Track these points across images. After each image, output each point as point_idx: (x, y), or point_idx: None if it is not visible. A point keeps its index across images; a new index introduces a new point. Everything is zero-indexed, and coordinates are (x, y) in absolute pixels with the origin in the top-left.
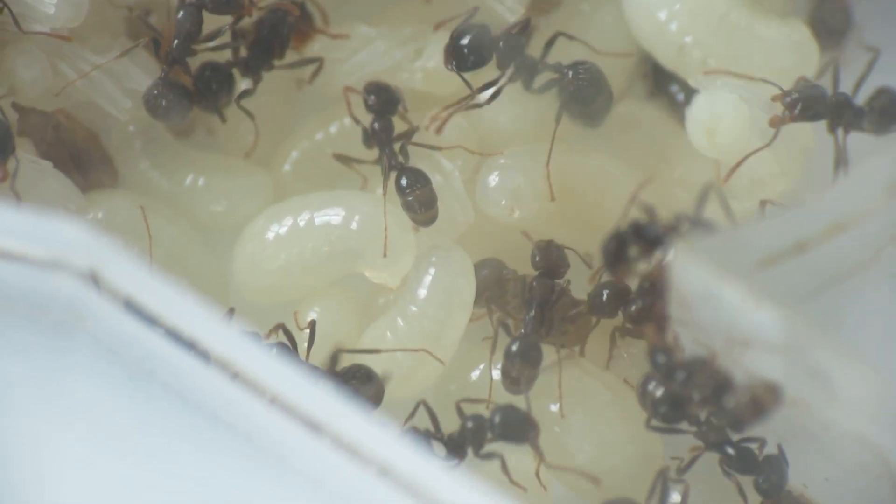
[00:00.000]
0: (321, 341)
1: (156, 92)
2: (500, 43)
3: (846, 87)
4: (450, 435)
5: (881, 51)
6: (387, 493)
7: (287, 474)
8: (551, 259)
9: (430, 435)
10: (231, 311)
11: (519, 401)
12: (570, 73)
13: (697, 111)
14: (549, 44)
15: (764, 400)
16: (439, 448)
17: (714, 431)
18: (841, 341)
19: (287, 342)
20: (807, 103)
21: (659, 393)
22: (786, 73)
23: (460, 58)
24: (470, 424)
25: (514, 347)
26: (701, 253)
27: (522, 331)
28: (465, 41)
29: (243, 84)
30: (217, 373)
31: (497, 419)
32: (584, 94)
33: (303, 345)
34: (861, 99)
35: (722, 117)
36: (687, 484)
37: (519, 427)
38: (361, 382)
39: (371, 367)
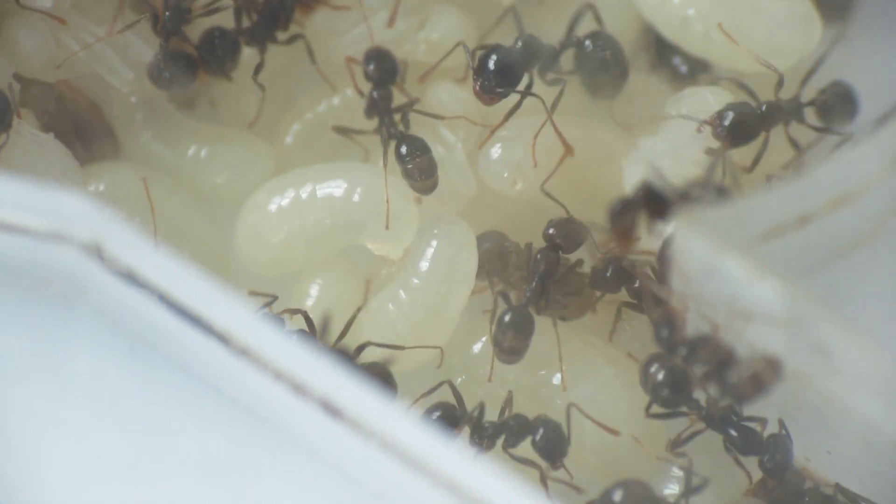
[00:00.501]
0: (324, 313)
1: (159, 62)
2: (522, 51)
3: (844, 70)
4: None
5: (887, 29)
6: (388, 467)
7: (288, 446)
8: (563, 234)
9: (463, 419)
10: (273, 299)
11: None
12: (589, 43)
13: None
14: (576, 19)
15: (765, 375)
16: (468, 431)
17: (716, 414)
18: (844, 315)
19: (307, 327)
20: (738, 128)
21: (661, 376)
22: (788, 47)
23: (502, 80)
24: (512, 423)
25: (506, 318)
26: (703, 226)
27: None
28: (495, 65)
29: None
30: (220, 345)
31: (540, 435)
32: (605, 64)
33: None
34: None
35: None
36: (690, 458)
37: (556, 448)
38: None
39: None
